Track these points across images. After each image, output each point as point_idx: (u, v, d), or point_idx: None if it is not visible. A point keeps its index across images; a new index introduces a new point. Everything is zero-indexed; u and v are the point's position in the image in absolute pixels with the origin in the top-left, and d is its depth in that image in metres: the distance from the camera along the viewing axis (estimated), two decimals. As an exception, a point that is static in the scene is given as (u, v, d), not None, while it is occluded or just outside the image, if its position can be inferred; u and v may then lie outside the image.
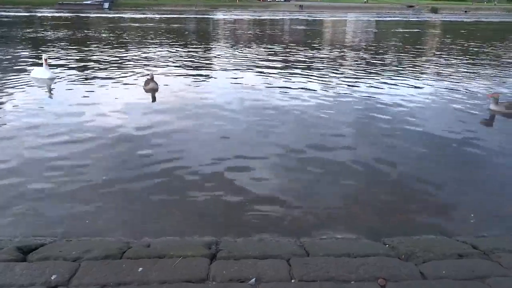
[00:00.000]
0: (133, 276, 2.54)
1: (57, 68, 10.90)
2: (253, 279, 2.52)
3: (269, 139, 5.87)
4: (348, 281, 2.53)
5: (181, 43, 18.27)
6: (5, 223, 3.66)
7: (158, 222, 3.74)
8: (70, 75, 10.28)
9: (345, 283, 2.52)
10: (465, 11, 65.56)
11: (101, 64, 11.98)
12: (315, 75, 10.89)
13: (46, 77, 9.45)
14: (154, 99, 8.15)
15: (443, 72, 11.80)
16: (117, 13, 41.97)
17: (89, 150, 5.35)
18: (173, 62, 12.66)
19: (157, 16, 39.35)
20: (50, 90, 8.81)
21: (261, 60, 13.30)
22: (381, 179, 4.74)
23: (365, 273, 2.61)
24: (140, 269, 2.61)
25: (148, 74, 8.84)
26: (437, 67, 12.72)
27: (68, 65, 11.70)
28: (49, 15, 36.72)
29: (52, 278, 2.50)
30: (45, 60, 9.48)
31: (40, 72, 9.57)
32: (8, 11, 39.00)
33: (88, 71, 10.87)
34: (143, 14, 42.56)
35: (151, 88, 8.52)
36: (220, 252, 2.86)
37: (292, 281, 2.54)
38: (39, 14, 36.66)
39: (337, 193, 4.39)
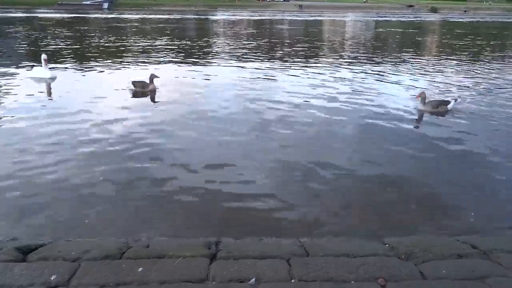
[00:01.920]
0: (133, 276, 2.54)
1: (56, 67, 10.87)
2: (253, 279, 2.51)
3: (268, 141, 5.86)
4: (348, 281, 2.53)
5: (180, 43, 18.25)
6: (5, 223, 3.66)
7: (158, 223, 3.74)
8: (69, 75, 10.29)
9: (345, 283, 2.52)
10: (465, 11, 65.56)
11: (100, 64, 11.97)
12: (316, 75, 10.90)
13: (47, 77, 9.44)
14: (153, 100, 8.13)
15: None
16: (116, 14, 41.91)
17: (88, 150, 5.36)
18: (173, 62, 12.65)
19: (156, 16, 39.29)
20: (49, 89, 8.79)
21: (261, 60, 13.30)
22: (381, 180, 4.74)
23: (365, 273, 2.60)
24: (140, 269, 2.61)
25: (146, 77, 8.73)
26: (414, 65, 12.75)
27: (67, 65, 11.69)
28: (48, 15, 36.66)
29: (52, 278, 2.50)
30: (45, 59, 9.48)
31: (40, 72, 9.57)
32: (8, 12, 38.93)
33: (87, 71, 10.86)
34: (143, 14, 42.50)
35: (151, 89, 8.44)
36: (219, 252, 2.86)
37: (292, 281, 2.53)
38: (39, 15, 36.58)
39: (337, 193, 4.39)
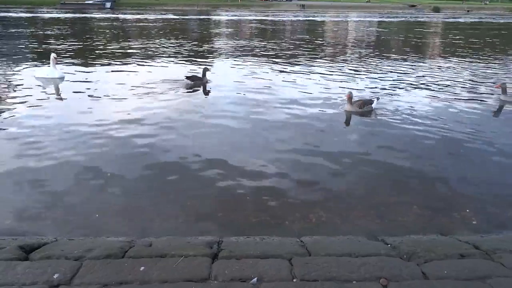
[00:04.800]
0: (135, 275, 2.54)
1: (62, 68, 10.84)
2: (255, 279, 2.52)
3: (272, 141, 5.84)
4: (349, 281, 2.53)
5: (185, 42, 18.26)
6: (8, 221, 3.67)
7: (160, 222, 3.74)
8: (76, 75, 10.22)
9: (347, 282, 2.52)
10: (468, 11, 65.37)
11: (108, 64, 11.92)
12: (322, 76, 10.89)
13: (56, 76, 9.32)
14: (205, 92, 8.83)
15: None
16: (119, 13, 41.94)
17: (94, 149, 5.37)
18: (181, 61, 12.67)
19: (160, 16, 39.32)
20: (59, 89, 8.74)
21: (268, 59, 13.32)
22: (383, 180, 4.73)
23: (367, 273, 2.60)
24: (142, 268, 2.62)
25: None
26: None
27: (74, 65, 11.61)
28: (51, 15, 36.69)
29: (54, 277, 2.51)
30: (54, 58, 9.33)
31: (48, 72, 9.42)
32: (9, 12, 39.02)
33: (95, 71, 10.80)
34: (146, 14, 42.53)
35: (205, 82, 9.25)
36: (221, 252, 2.86)
37: (294, 280, 2.54)
38: (41, 15, 36.64)
39: (339, 193, 4.39)
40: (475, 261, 2.81)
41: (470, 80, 10.51)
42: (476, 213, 3.97)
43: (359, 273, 2.60)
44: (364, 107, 7.24)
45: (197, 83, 9.19)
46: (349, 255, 2.83)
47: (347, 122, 6.92)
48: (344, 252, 2.88)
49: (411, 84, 9.84)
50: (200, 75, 9.39)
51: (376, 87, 9.44)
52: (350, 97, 7.21)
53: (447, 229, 3.64)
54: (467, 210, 4.02)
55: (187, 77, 9.26)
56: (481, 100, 8.35)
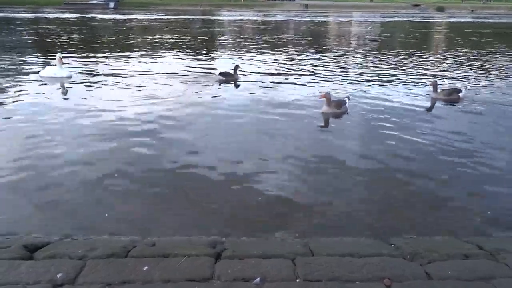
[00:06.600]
0: (138, 275, 2.55)
1: (68, 67, 10.87)
2: (258, 278, 2.52)
3: (276, 143, 5.83)
4: (353, 281, 2.53)
5: (188, 42, 18.29)
6: (12, 221, 3.69)
7: (163, 221, 3.75)
8: (82, 73, 10.25)
9: (350, 282, 2.51)
10: (472, 10, 65.04)
11: (114, 65, 11.93)
12: (330, 80, 10.88)
13: (63, 75, 9.37)
14: (236, 86, 9.44)
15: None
16: (123, 14, 42.02)
17: (100, 149, 5.39)
18: (186, 62, 12.70)
19: (164, 17, 39.38)
20: (65, 88, 8.76)
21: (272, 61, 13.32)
22: (386, 180, 4.72)
23: (370, 273, 2.60)
24: (145, 267, 2.62)
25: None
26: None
27: (78, 63, 11.64)
28: (56, 15, 36.79)
29: (58, 276, 2.52)
30: (60, 58, 9.39)
31: (55, 71, 9.46)
32: (15, 12, 39.18)
33: (100, 71, 10.80)
34: (150, 14, 42.61)
35: (236, 78, 9.78)
36: (224, 252, 2.86)
37: (297, 280, 2.54)
38: (46, 15, 36.77)
39: (342, 193, 4.38)
40: (479, 261, 2.80)
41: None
42: (480, 213, 3.96)
43: (362, 273, 2.60)
44: (341, 108, 7.13)
45: (228, 79, 9.73)
46: (352, 255, 2.83)
47: (326, 123, 6.79)
48: (347, 252, 2.87)
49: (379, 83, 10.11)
50: (231, 71, 9.93)
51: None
52: (328, 98, 7.00)
53: (449, 229, 3.62)
54: (472, 211, 4.01)
55: (220, 73, 9.87)
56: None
